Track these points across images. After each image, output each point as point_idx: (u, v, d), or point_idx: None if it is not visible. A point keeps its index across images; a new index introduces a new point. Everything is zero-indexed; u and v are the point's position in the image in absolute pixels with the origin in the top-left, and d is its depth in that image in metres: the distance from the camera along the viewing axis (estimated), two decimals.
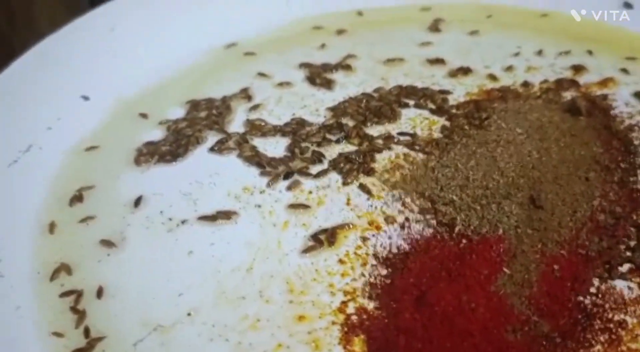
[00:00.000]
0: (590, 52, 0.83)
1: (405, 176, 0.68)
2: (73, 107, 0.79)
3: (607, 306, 0.55)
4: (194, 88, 0.83)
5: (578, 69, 0.80)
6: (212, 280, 0.61)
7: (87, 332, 0.58)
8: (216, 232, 0.65)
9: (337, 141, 0.73)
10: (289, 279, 0.60)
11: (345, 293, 0.59)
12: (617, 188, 0.64)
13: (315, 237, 0.63)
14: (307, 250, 0.62)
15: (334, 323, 0.57)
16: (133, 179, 0.72)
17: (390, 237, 0.62)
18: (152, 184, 0.71)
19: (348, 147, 0.72)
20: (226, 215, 0.66)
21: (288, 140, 0.74)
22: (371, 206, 0.66)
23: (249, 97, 0.81)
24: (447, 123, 0.74)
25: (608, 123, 0.72)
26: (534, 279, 0.57)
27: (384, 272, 0.60)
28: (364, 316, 0.57)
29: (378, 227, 0.63)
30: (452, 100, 0.77)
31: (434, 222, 0.63)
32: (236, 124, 0.77)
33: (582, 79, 0.79)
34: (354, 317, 0.57)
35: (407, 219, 0.64)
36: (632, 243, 0.60)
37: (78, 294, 0.61)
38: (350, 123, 0.75)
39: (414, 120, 0.75)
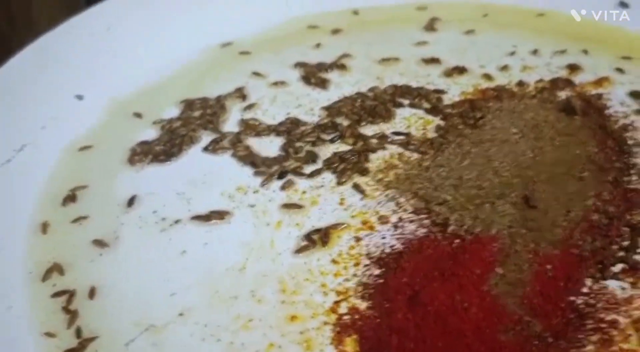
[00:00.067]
0: (585, 52, 0.83)
1: (399, 175, 0.68)
2: (67, 106, 0.79)
3: (599, 305, 0.55)
4: (188, 87, 0.83)
5: (573, 68, 0.80)
6: (205, 280, 0.61)
7: (79, 332, 0.58)
8: (209, 232, 0.65)
9: (332, 141, 0.73)
10: (281, 278, 0.60)
11: (338, 293, 0.58)
12: (611, 188, 0.64)
13: (308, 237, 0.63)
14: (300, 250, 0.62)
15: (326, 323, 0.56)
16: (127, 179, 0.71)
17: (383, 237, 0.62)
18: (146, 183, 0.70)
19: (342, 147, 0.72)
20: (220, 215, 0.66)
21: (282, 139, 0.74)
22: (365, 205, 0.65)
23: (243, 97, 0.81)
24: (442, 123, 0.74)
25: (603, 123, 0.71)
26: (526, 279, 0.57)
27: (376, 272, 0.60)
28: (357, 316, 0.57)
29: (371, 227, 0.63)
30: (447, 99, 0.77)
31: (427, 222, 0.63)
32: (231, 124, 0.77)
33: (577, 79, 0.79)
34: (347, 317, 0.57)
35: (400, 218, 0.64)
36: (625, 243, 0.60)
37: (70, 294, 0.61)
38: (345, 123, 0.75)
39: (409, 119, 0.75)
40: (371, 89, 0.79)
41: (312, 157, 0.71)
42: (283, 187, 0.68)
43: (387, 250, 0.61)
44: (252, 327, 0.57)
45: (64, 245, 0.65)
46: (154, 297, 0.60)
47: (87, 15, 0.88)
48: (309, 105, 0.78)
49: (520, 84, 0.78)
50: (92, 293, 0.61)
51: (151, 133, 0.77)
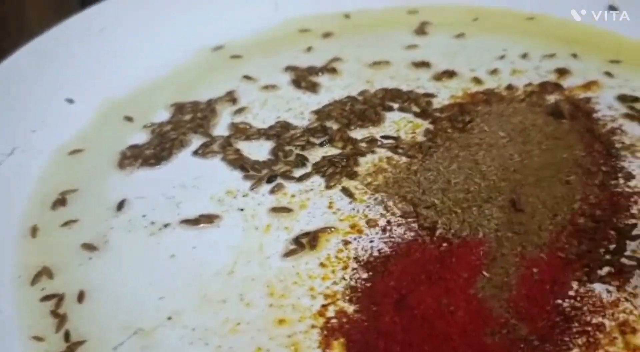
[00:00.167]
0: (574, 55, 0.83)
1: (388, 179, 0.68)
2: (58, 110, 0.80)
3: (585, 309, 0.56)
4: (179, 91, 0.84)
5: (562, 72, 0.80)
6: (194, 284, 0.61)
7: (67, 336, 0.58)
8: (198, 235, 0.65)
9: (321, 144, 0.73)
10: (270, 282, 0.60)
11: (326, 296, 0.59)
12: (597, 191, 0.64)
13: (297, 240, 0.63)
14: (288, 253, 0.62)
15: (313, 327, 0.57)
16: (117, 183, 0.72)
17: (371, 241, 0.63)
18: (136, 187, 0.71)
19: (332, 151, 0.72)
20: (209, 219, 0.66)
21: (272, 143, 0.74)
22: (353, 209, 0.66)
23: (234, 100, 0.81)
24: (431, 126, 0.74)
25: (591, 126, 0.72)
26: (513, 282, 0.57)
27: (364, 275, 0.60)
28: (344, 320, 0.57)
29: (360, 231, 0.64)
30: (437, 103, 0.77)
31: (415, 225, 0.63)
32: (221, 127, 0.77)
33: (566, 82, 0.79)
34: (334, 321, 0.57)
35: (388, 222, 0.64)
36: (612, 246, 0.60)
37: (59, 298, 0.61)
38: (335, 126, 0.75)
39: (398, 123, 0.75)
40: (361, 93, 0.80)
41: (301, 161, 0.71)
42: (272, 191, 0.68)
43: (375, 253, 0.61)
44: (240, 330, 0.57)
45: (53, 249, 0.66)
46: (143, 301, 0.60)
47: (79, 19, 0.88)
48: (299, 109, 0.78)
49: (510, 87, 0.79)
50: (81, 297, 0.61)
51: (141, 137, 0.77)
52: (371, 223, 0.64)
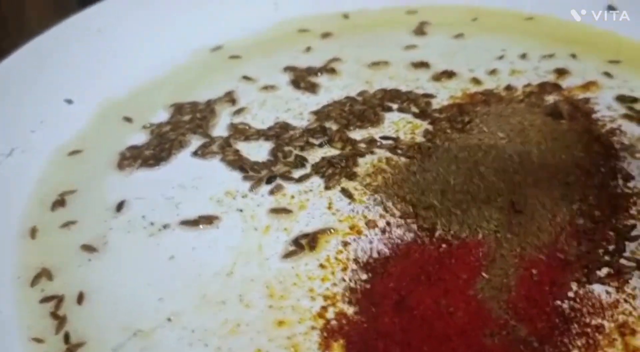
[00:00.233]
0: (573, 56, 0.83)
1: (387, 180, 0.68)
2: (57, 110, 0.79)
3: (584, 310, 0.56)
4: (178, 91, 0.83)
5: (561, 72, 0.80)
6: (193, 285, 0.61)
7: (67, 337, 0.58)
8: (198, 236, 0.65)
9: (320, 145, 0.73)
10: (269, 283, 0.60)
11: (326, 298, 0.59)
12: (597, 192, 0.64)
13: (296, 241, 0.63)
14: (288, 255, 0.62)
15: (313, 328, 0.57)
16: (116, 183, 0.72)
17: (371, 242, 0.63)
18: (135, 188, 0.71)
19: (331, 151, 0.72)
20: (208, 220, 0.66)
21: (271, 144, 0.74)
22: (353, 210, 0.66)
23: (233, 101, 0.81)
24: (430, 127, 0.74)
25: (589, 127, 0.72)
26: (512, 284, 0.57)
27: (364, 276, 0.60)
28: (344, 321, 0.57)
29: (359, 232, 0.64)
30: (436, 104, 0.77)
31: (414, 226, 0.63)
32: (220, 128, 0.77)
33: (565, 83, 0.79)
34: (334, 322, 0.57)
35: (388, 223, 0.64)
36: (611, 247, 0.60)
37: (59, 300, 0.61)
38: (334, 127, 0.75)
39: (397, 124, 0.75)
40: (360, 93, 0.80)
41: (300, 162, 0.71)
42: (272, 192, 0.68)
43: (375, 255, 0.61)
44: (240, 332, 0.57)
45: (52, 250, 0.66)
46: (142, 302, 0.60)
47: (78, 19, 0.88)
48: (298, 110, 0.78)
49: (509, 88, 0.79)
50: (80, 298, 0.61)
51: (141, 137, 0.77)
52: (370, 224, 0.64)
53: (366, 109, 0.77)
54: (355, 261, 0.61)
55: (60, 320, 0.59)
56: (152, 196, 0.69)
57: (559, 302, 0.56)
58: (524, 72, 0.81)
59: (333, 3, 0.95)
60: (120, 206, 0.68)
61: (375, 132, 0.74)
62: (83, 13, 0.89)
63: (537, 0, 0.92)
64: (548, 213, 0.62)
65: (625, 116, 0.73)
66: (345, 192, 0.67)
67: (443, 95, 0.79)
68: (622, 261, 0.59)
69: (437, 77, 0.81)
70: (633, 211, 0.63)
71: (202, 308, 0.59)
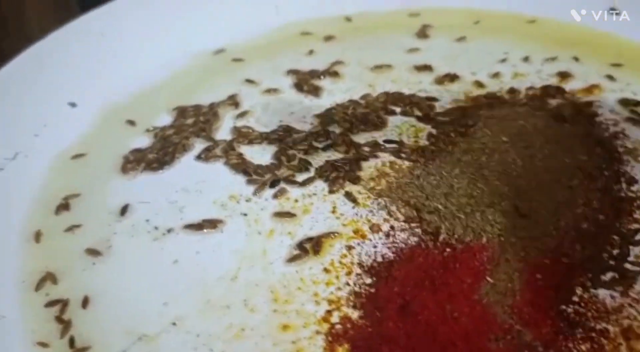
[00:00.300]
0: (576, 59, 0.83)
1: (391, 184, 0.68)
2: (60, 114, 0.80)
3: (589, 314, 0.56)
4: (182, 94, 0.84)
5: (564, 75, 0.81)
6: (197, 289, 0.61)
7: (72, 342, 0.58)
8: (202, 240, 0.65)
9: (324, 149, 0.73)
10: (273, 288, 0.60)
11: (330, 302, 0.59)
12: (600, 196, 0.64)
13: (300, 245, 0.63)
14: (292, 259, 0.62)
15: (318, 332, 0.57)
16: (120, 187, 0.72)
17: (375, 246, 0.63)
18: (139, 192, 0.71)
19: (335, 155, 0.72)
20: (212, 223, 0.66)
21: (275, 147, 0.74)
22: (357, 214, 0.66)
23: (236, 104, 0.81)
24: (434, 130, 0.74)
25: (592, 130, 0.72)
26: (517, 288, 0.57)
27: (368, 281, 0.60)
28: (348, 325, 0.57)
29: (363, 236, 0.64)
30: (439, 107, 0.77)
31: (418, 230, 0.63)
32: (223, 131, 0.77)
33: (567, 86, 0.79)
34: (338, 327, 0.57)
35: (392, 227, 0.64)
36: (615, 251, 0.60)
37: (63, 304, 0.61)
38: (337, 130, 0.75)
39: (401, 127, 0.75)
40: (363, 97, 0.80)
41: (304, 165, 0.71)
42: (275, 196, 0.68)
43: (379, 259, 0.61)
44: (245, 336, 0.57)
45: (57, 254, 0.66)
46: (147, 307, 0.60)
47: (80, 22, 0.88)
48: (302, 113, 0.78)
49: (512, 91, 0.79)
50: (85, 302, 0.61)
51: (144, 141, 0.77)
52: (374, 228, 0.64)
53: (369, 112, 0.77)
54: (360, 265, 0.61)
55: (65, 324, 0.59)
56: (156, 200, 0.69)
57: (563, 307, 0.56)
58: (527, 75, 0.82)
59: (335, 6, 0.95)
60: (124, 210, 0.69)
61: (379, 136, 0.74)
62: (85, 16, 0.89)
63: (540, 3, 0.92)
64: (552, 217, 0.62)
65: (629, 119, 0.73)
66: (349, 196, 0.67)
67: (446, 98, 0.79)
68: (627, 265, 0.59)
69: (440, 81, 0.81)
70: (637, 215, 0.63)
71: (206, 312, 0.59)
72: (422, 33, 0.90)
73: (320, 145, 0.73)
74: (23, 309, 0.61)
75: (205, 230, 0.66)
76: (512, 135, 0.70)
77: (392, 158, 0.71)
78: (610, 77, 0.80)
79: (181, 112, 0.80)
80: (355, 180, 0.69)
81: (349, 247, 0.63)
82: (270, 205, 0.68)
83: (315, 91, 0.81)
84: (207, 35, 0.90)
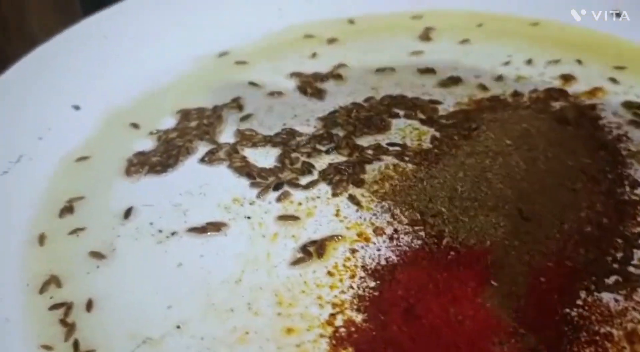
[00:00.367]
0: (579, 61, 0.83)
1: (395, 187, 0.68)
2: (64, 117, 0.80)
3: (593, 318, 0.56)
4: (185, 97, 0.84)
5: (567, 78, 0.81)
6: (201, 292, 0.61)
7: (76, 345, 0.58)
8: (205, 243, 0.65)
9: (327, 152, 0.73)
10: (277, 291, 0.60)
11: (334, 305, 0.59)
12: (604, 199, 0.64)
13: (304, 249, 0.63)
14: (296, 262, 0.62)
15: (322, 336, 0.57)
16: (123, 190, 0.72)
17: (379, 249, 0.63)
18: (143, 195, 0.71)
19: (338, 158, 0.72)
20: (216, 227, 0.66)
21: (278, 150, 0.74)
22: (360, 217, 0.66)
23: (240, 107, 0.81)
24: (437, 133, 0.74)
25: (596, 133, 0.72)
26: (521, 292, 0.57)
27: (372, 284, 0.60)
28: (352, 329, 0.57)
29: (367, 239, 0.64)
30: (442, 110, 0.78)
31: (422, 233, 0.63)
32: (227, 134, 0.77)
33: (571, 89, 0.79)
34: (342, 330, 0.57)
35: (395, 230, 0.64)
36: (619, 255, 0.60)
37: (68, 307, 0.61)
38: (341, 133, 0.75)
39: (404, 130, 0.75)
40: (367, 100, 0.80)
41: (308, 168, 0.71)
42: (279, 199, 0.68)
43: (383, 262, 0.62)
44: (249, 340, 0.57)
45: (61, 257, 0.66)
46: (151, 310, 0.60)
47: (84, 25, 0.88)
48: (305, 116, 0.79)
49: (515, 94, 0.79)
50: (89, 306, 0.61)
51: (148, 143, 0.77)
52: (378, 231, 0.64)
53: (373, 115, 0.77)
54: (364, 268, 0.61)
55: (69, 327, 0.59)
56: (160, 203, 0.69)
57: (567, 310, 0.56)
58: (530, 78, 0.82)
59: (338, 8, 0.95)
60: (128, 213, 0.69)
61: (382, 139, 0.74)
62: (89, 19, 0.89)
63: (543, 6, 0.92)
64: (555, 220, 0.62)
65: (632, 122, 0.74)
66: (353, 199, 0.67)
67: (449, 101, 0.79)
68: (631, 269, 0.59)
69: (443, 83, 0.81)
70: None
71: (210, 316, 0.59)
72: (425, 36, 0.90)
73: (323, 148, 0.73)
74: (27, 312, 0.61)
75: (209, 233, 0.66)
76: (515, 139, 0.70)
77: (396, 161, 0.71)
78: (614, 80, 0.80)
79: (185, 115, 0.80)
80: (359, 183, 0.69)
81: (353, 251, 0.63)
82: (274, 208, 0.68)
83: (319, 94, 0.81)
84: (211, 38, 0.91)
